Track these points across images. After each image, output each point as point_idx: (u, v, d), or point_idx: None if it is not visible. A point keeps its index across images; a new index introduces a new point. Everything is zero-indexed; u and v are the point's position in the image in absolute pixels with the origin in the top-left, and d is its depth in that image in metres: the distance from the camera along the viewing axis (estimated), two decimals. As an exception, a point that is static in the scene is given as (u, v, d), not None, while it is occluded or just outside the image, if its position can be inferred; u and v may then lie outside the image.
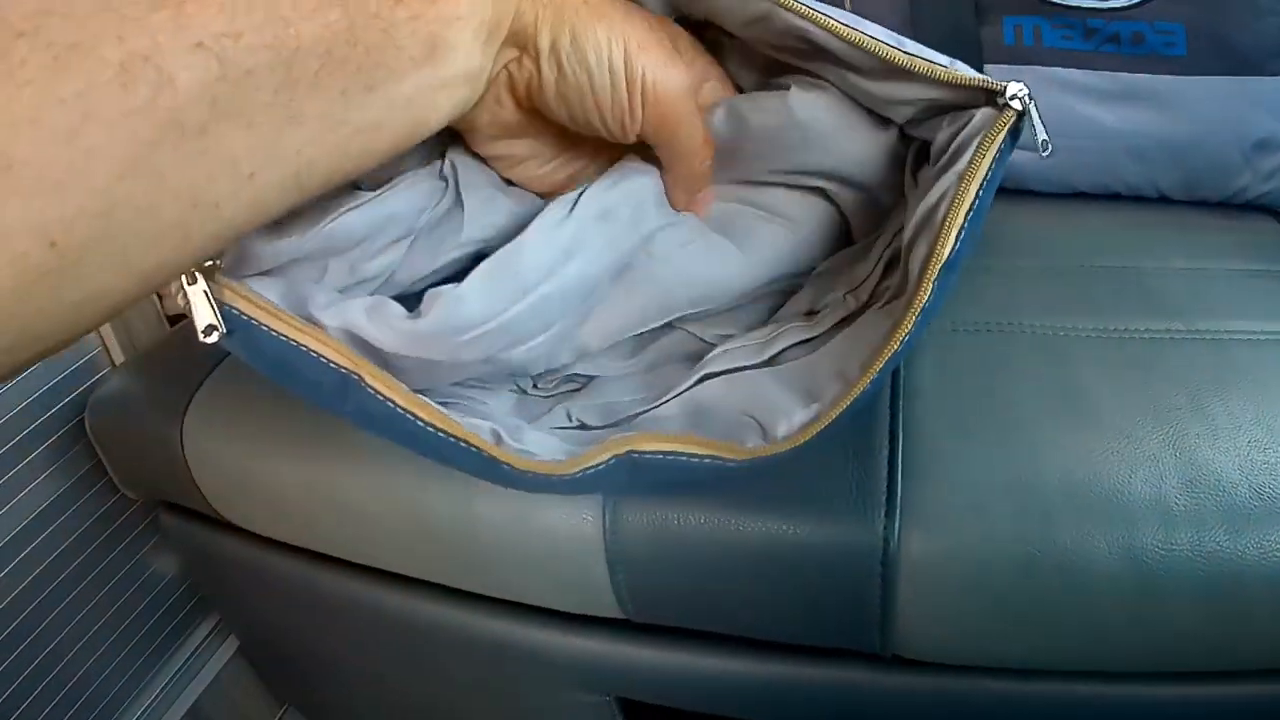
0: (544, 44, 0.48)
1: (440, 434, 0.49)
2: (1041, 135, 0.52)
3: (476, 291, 0.53)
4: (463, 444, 0.49)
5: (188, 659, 1.06)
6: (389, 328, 0.52)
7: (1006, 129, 0.50)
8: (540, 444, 0.52)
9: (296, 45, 0.35)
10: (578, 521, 0.60)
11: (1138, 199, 0.90)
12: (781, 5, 0.52)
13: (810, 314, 0.62)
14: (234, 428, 0.73)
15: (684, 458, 0.49)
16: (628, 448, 0.49)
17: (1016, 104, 0.51)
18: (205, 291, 0.45)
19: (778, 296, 0.66)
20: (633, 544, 0.59)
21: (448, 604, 0.73)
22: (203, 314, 0.45)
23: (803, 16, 0.52)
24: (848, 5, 0.96)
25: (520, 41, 0.48)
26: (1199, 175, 0.88)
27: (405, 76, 0.40)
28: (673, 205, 0.60)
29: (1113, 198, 0.91)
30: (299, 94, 0.36)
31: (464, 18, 0.42)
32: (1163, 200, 0.90)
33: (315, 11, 0.36)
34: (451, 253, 0.60)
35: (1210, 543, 0.52)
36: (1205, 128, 0.86)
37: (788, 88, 0.58)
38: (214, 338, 0.46)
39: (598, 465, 0.49)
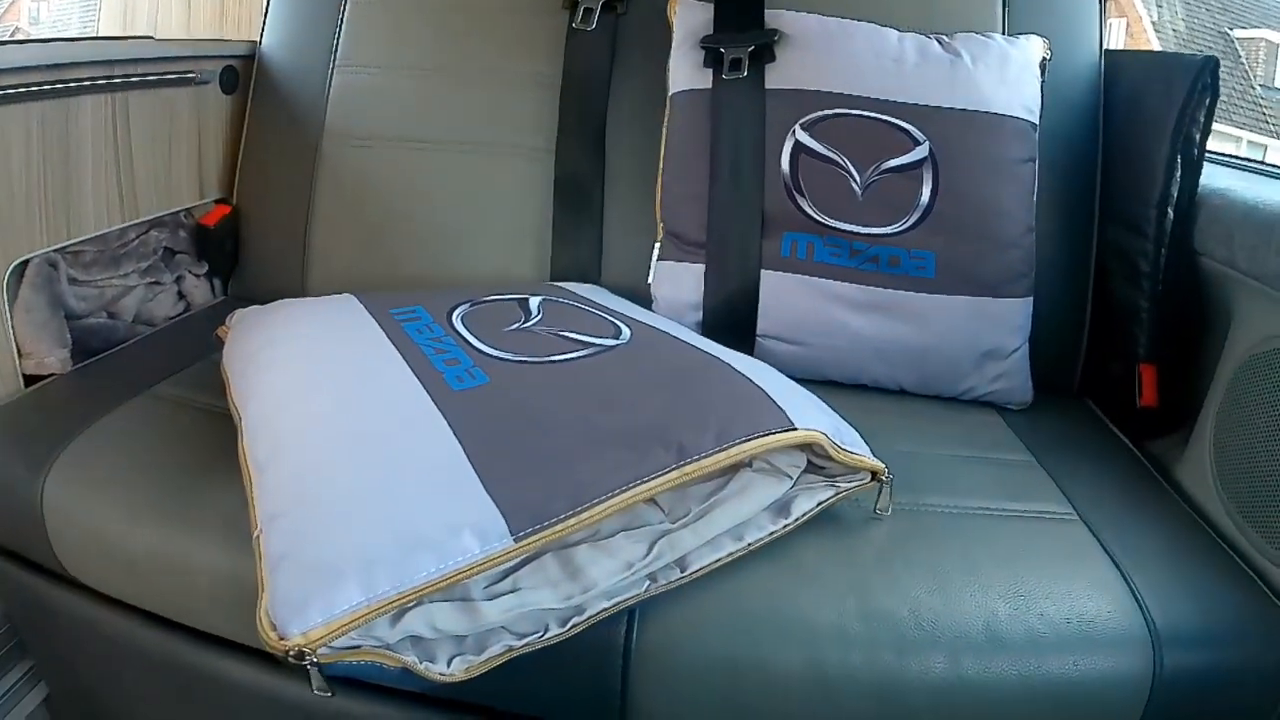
0: None
1: None
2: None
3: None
4: None
5: (-6, 701, 1.10)
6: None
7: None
8: None
9: None
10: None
11: (881, 390, 1.11)
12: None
13: None
14: (95, 492, 0.84)
15: None
16: None
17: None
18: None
19: None
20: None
21: (262, 669, 0.81)
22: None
23: None
24: (658, 213, 1.17)
25: None
26: (934, 376, 1.09)
27: None
28: None
29: (859, 387, 1.11)
30: None
31: None
32: (902, 393, 1.10)
33: None
34: None
35: (880, 662, 0.70)
36: (943, 338, 1.06)
37: None
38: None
39: None
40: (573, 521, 0.63)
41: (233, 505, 0.73)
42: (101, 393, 0.99)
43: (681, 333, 0.94)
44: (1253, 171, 1.12)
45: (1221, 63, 1.02)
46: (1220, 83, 1.01)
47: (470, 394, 0.75)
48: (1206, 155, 1.03)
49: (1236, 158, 1.22)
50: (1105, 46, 1.23)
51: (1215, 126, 1.02)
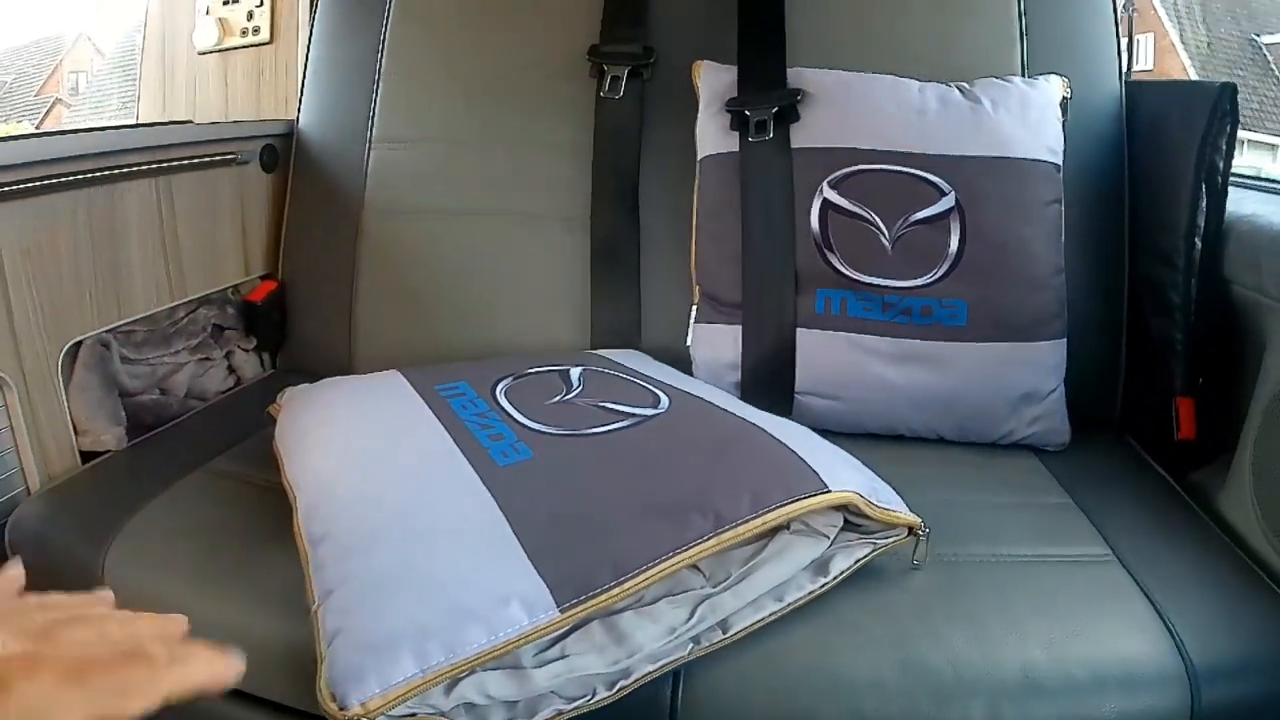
0: None
1: None
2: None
3: None
4: None
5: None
6: None
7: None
8: None
9: None
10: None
11: (919, 440, 1.12)
12: None
13: None
14: (156, 565, 0.87)
15: None
16: None
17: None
18: None
19: None
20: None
21: None
22: None
23: None
24: (693, 275, 1.19)
25: None
26: (971, 422, 1.10)
27: None
28: None
29: (898, 438, 1.12)
30: None
31: None
32: (940, 441, 1.11)
33: None
34: None
35: (919, 712, 0.71)
36: (978, 385, 1.07)
37: None
38: None
39: None
40: (616, 592, 0.65)
41: (290, 578, 0.75)
42: (158, 469, 1.02)
43: (718, 398, 0.96)
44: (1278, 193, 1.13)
45: (1251, 70, 1.03)
46: (1250, 91, 1.02)
47: (515, 469, 0.78)
48: (1232, 179, 1.04)
49: (1264, 179, 1.22)
50: (1127, 76, 1.24)
51: (1250, 135, 1.03)
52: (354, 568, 0.70)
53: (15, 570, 0.52)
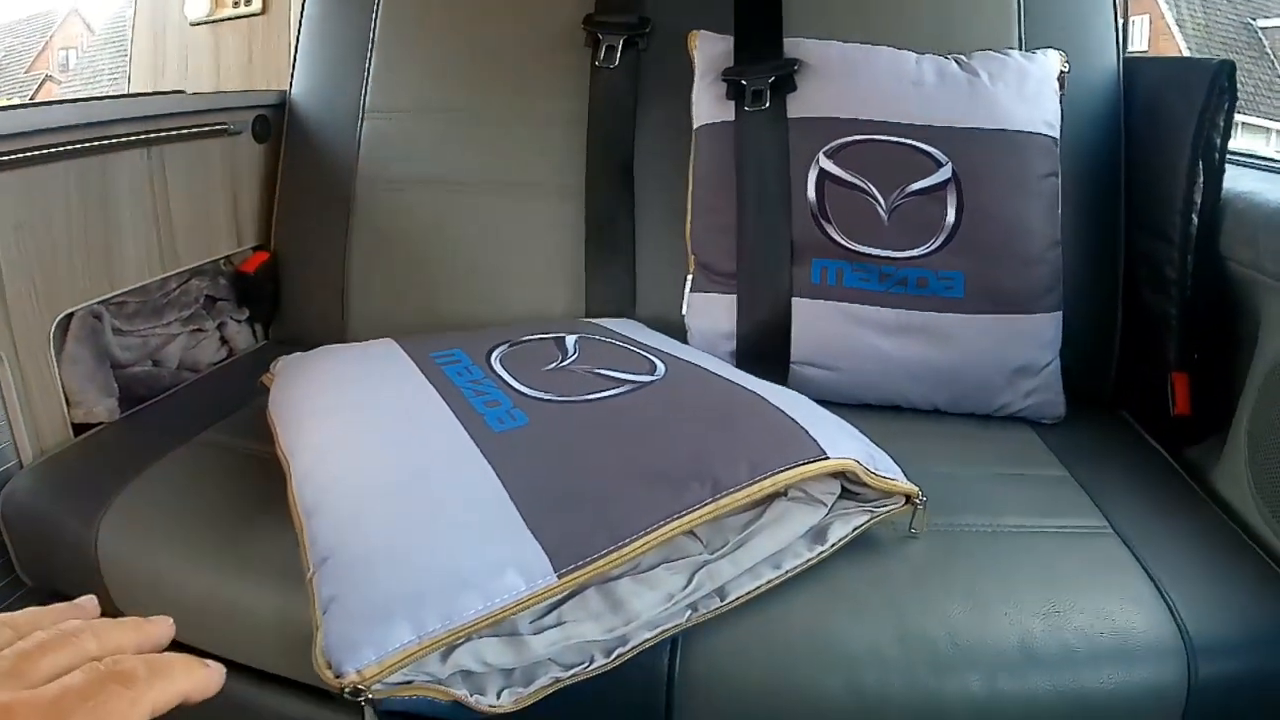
0: None
1: None
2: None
3: None
4: None
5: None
6: None
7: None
8: None
9: None
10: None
11: (916, 411, 1.12)
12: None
13: None
14: (149, 536, 0.87)
15: None
16: None
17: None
18: None
19: None
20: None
21: (318, 705, 0.82)
22: None
23: None
24: (688, 245, 1.19)
25: None
26: (967, 394, 1.10)
27: None
28: None
29: (894, 409, 1.12)
30: None
31: None
32: (936, 413, 1.11)
33: None
34: None
35: (918, 682, 0.71)
36: (974, 357, 1.07)
37: None
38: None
39: None
40: (614, 556, 0.65)
41: (285, 548, 0.75)
42: (150, 440, 1.01)
43: (715, 365, 0.95)
44: (1276, 171, 1.12)
45: (1246, 54, 1.03)
46: (1246, 75, 1.02)
47: (511, 435, 0.77)
48: (1229, 157, 1.03)
49: (1261, 158, 1.22)
50: (1124, 52, 1.24)
51: (1243, 118, 1.03)
52: (348, 536, 0.69)
53: None
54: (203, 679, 0.44)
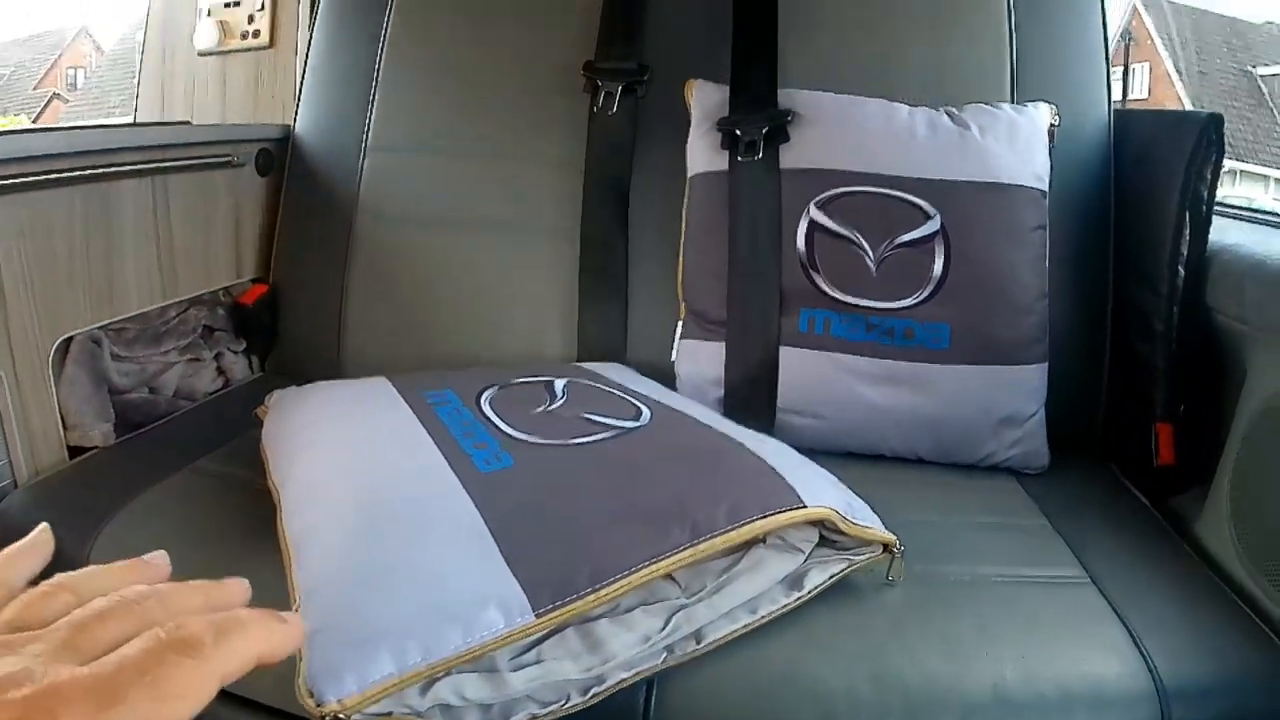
0: None
1: None
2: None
3: None
4: None
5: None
6: None
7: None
8: None
9: None
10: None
11: (900, 460, 1.13)
12: None
13: None
14: (140, 563, 0.87)
15: None
16: None
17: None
18: None
19: None
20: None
21: None
22: None
23: None
24: (680, 292, 1.21)
25: None
26: (951, 444, 1.11)
27: None
28: None
29: (878, 458, 1.13)
30: None
31: None
32: (920, 462, 1.12)
33: None
34: None
35: (886, 724, 0.71)
36: (959, 407, 1.08)
37: None
38: None
39: None
40: (592, 598, 0.66)
41: (273, 577, 0.75)
42: (145, 466, 1.02)
43: (699, 413, 0.97)
44: (1263, 224, 1.14)
45: (1246, 101, 1.05)
46: (1245, 122, 1.03)
47: (496, 476, 0.79)
48: (1217, 209, 1.05)
49: (1247, 209, 1.24)
50: (1119, 104, 1.26)
51: (1242, 166, 1.04)
52: (335, 568, 0.70)
53: (24, 553, 0.45)
54: (280, 637, 0.38)
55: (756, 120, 1.16)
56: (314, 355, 1.38)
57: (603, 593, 0.66)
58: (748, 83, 1.20)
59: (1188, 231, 1.05)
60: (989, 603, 0.82)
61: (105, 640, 0.35)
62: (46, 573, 0.44)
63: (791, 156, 1.14)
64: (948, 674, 0.74)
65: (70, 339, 1.10)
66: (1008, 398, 1.09)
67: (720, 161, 1.18)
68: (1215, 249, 1.04)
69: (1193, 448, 1.05)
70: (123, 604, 0.37)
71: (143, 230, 1.20)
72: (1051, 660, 0.75)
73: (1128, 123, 1.23)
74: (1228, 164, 1.04)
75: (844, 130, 1.14)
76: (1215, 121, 1.04)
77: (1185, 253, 1.05)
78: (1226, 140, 1.07)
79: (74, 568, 0.85)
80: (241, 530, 0.89)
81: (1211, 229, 1.05)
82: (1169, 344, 1.07)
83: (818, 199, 1.11)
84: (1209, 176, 1.04)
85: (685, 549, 0.70)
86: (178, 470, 1.02)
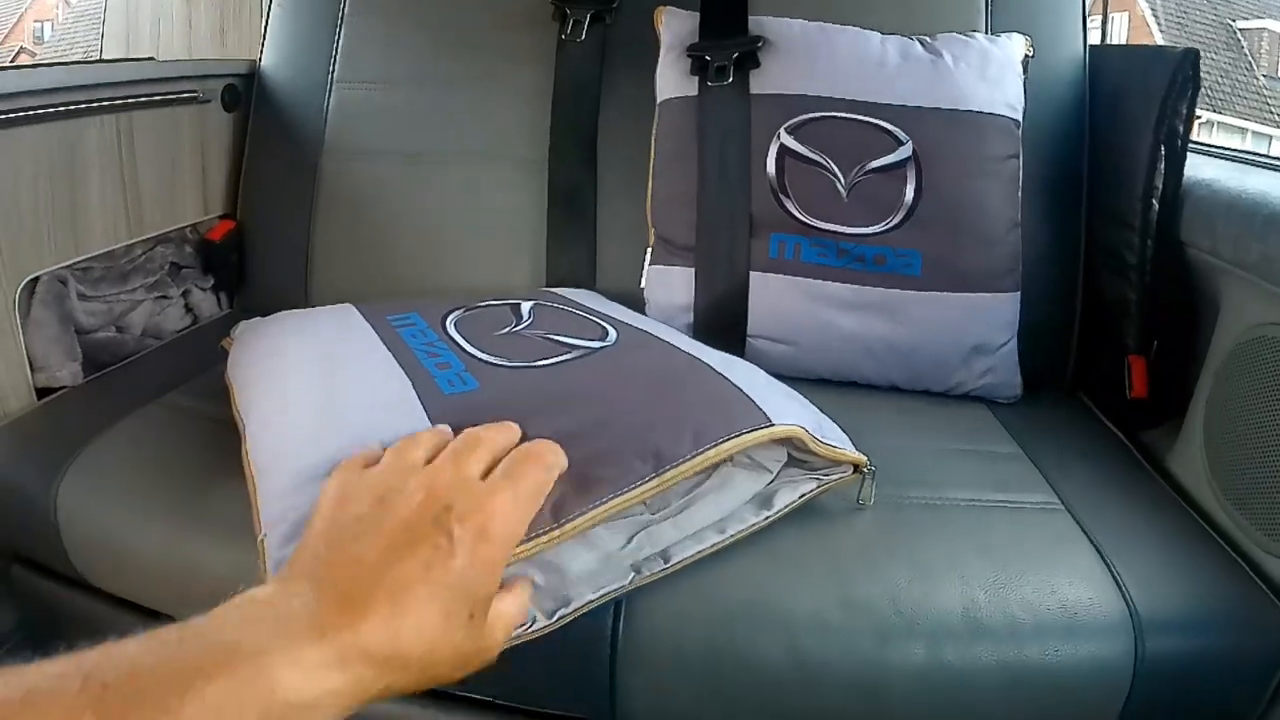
0: None
1: None
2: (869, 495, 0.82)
3: None
4: None
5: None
6: None
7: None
8: None
9: None
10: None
11: (872, 387, 1.13)
12: None
13: None
14: (107, 497, 0.87)
15: None
16: None
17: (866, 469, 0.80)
18: None
19: None
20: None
21: None
22: None
23: None
24: (649, 218, 1.20)
25: None
26: (923, 372, 1.11)
27: None
28: None
29: (851, 385, 1.13)
30: None
31: None
32: (893, 389, 1.12)
33: None
34: None
35: (859, 650, 0.71)
36: (930, 334, 1.08)
37: None
38: None
39: None
40: (557, 533, 0.64)
41: (239, 509, 0.75)
42: (112, 403, 1.01)
43: (667, 334, 0.95)
44: (1238, 161, 1.14)
45: (1225, 54, 1.04)
46: (1223, 75, 1.03)
47: (459, 399, 0.77)
48: (1191, 146, 1.05)
49: (1222, 148, 1.23)
50: (1091, 42, 1.25)
51: (1219, 118, 1.04)
52: (299, 499, 0.69)
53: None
54: (563, 457, 0.65)
55: (727, 46, 1.14)
56: (282, 290, 1.36)
57: (566, 527, 0.65)
58: (718, 9, 1.18)
59: (1162, 166, 1.04)
60: (960, 527, 0.83)
61: (475, 465, 0.61)
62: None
63: (762, 82, 1.13)
64: (917, 598, 0.74)
65: (36, 280, 1.08)
66: (979, 326, 1.09)
67: (690, 87, 1.16)
68: (1190, 184, 1.04)
69: (1165, 381, 1.05)
70: (475, 439, 0.64)
71: (108, 168, 1.17)
72: (1023, 584, 0.75)
73: (1102, 58, 1.23)
74: (1205, 114, 1.03)
75: (815, 56, 1.13)
76: (1191, 56, 1.03)
77: (1159, 187, 1.05)
78: (1203, 89, 1.06)
79: (41, 507, 0.85)
80: (209, 463, 0.88)
81: (1186, 165, 1.04)
82: (1142, 278, 1.07)
83: (788, 124, 1.10)
84: (1184, 111, 1.04)
85: (651, 479, 0.68)
86: (145, 405, 1.01)
